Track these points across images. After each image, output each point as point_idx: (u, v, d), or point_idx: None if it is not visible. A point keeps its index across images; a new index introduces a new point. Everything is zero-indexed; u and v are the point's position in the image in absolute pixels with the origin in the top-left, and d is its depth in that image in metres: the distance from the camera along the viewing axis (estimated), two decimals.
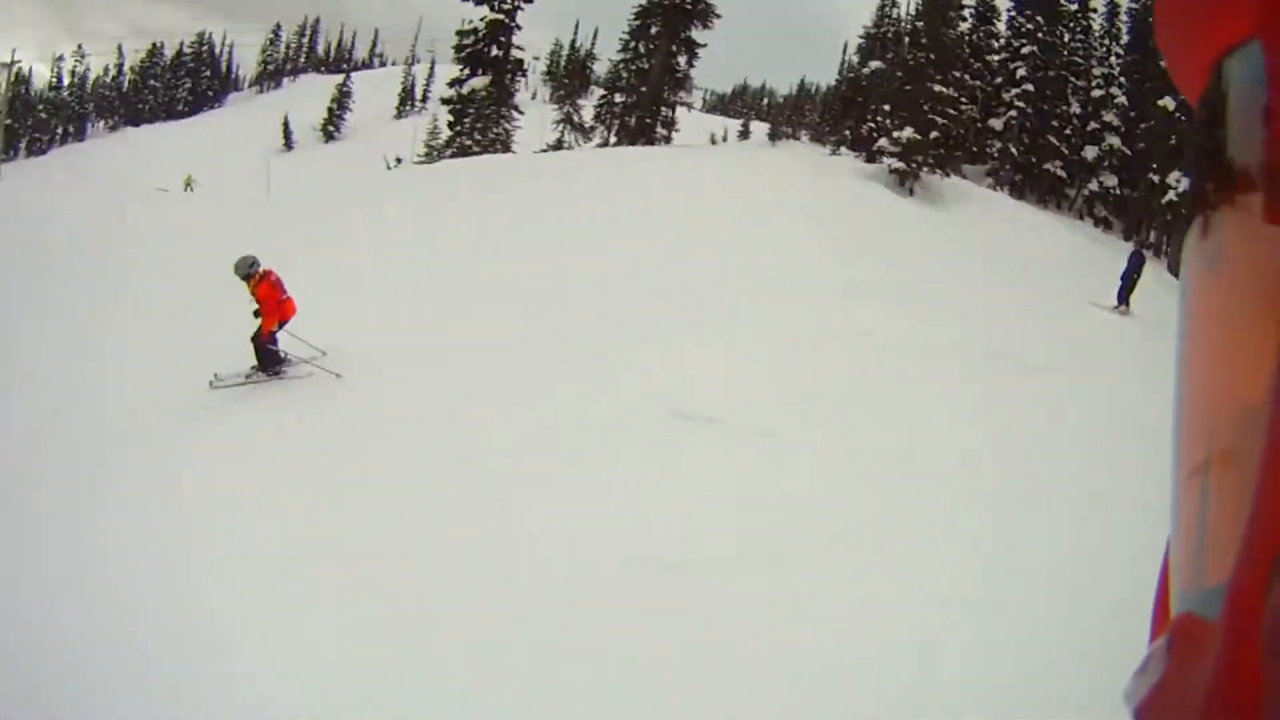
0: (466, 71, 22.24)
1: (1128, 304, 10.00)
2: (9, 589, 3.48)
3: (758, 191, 12.96)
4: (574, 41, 46.52)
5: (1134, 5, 25.23)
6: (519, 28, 22.29)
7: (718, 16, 21.34)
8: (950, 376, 5.99)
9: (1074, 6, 25.20)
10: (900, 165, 16.93)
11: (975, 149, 23.74)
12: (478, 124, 21.33)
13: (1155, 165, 20.84)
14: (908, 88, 19.37)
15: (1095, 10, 25.82)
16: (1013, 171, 23.97)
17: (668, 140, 22.30)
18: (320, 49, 73.15)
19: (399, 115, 49.91)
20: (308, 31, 71.53)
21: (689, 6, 21.11)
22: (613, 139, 22.35)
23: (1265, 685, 0.17)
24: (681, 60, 21.79)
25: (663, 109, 22.16)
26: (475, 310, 7.10)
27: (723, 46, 25.21)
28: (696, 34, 21.48)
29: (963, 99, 20.69)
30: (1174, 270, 16.67)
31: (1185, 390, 0.24)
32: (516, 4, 21.89)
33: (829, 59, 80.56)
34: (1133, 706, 0.23)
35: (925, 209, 15.63)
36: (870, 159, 18.25)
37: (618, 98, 22.65)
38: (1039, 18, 24.36)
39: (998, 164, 23.73)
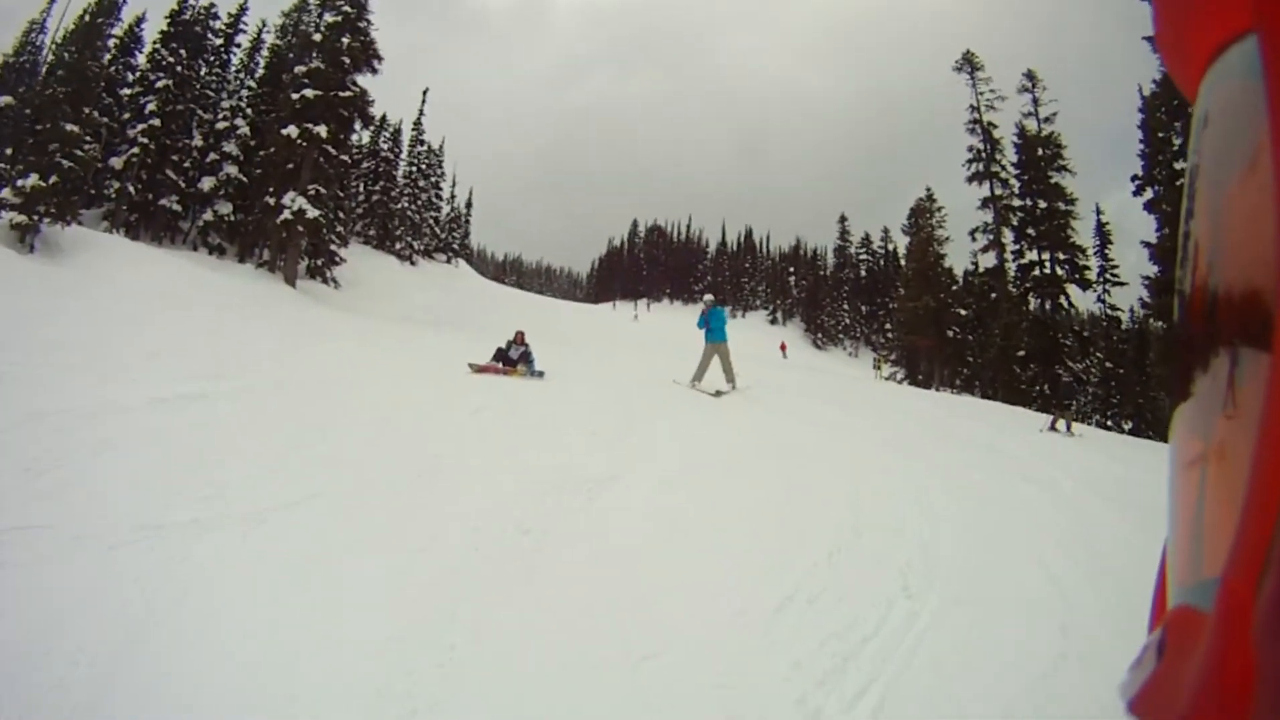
0: None
1: None
2: None
3: None
4: None
5: (279, 42, 27.37)
6: None
7: None
8: None
9: (219, 41, 26.84)
10: (22, 219, 15.91)
11: (94, 191, 22.47)
12: None
13: (272, 189, 21.71)
14: (39, 126, 18.64)
15: (240, 45, 27.47)
16: (129, 211, 23.30)
17: None
18: None
19: None
20: None
21: None
22: None
23: (1257, 676, 0.16)
24: None
25: None
26: None
27: None
28: None
29: (88, 137, 19.57)
30: (291, 281, 18.54)
31: (1186, 384, 0.24)
32: None
33: None
34: (1127, 699, 0.23)
35: (47, 266, 14.44)
36: None
37: None
38: (182, 51, 25.20)
39: (115, 205, 22.84)
